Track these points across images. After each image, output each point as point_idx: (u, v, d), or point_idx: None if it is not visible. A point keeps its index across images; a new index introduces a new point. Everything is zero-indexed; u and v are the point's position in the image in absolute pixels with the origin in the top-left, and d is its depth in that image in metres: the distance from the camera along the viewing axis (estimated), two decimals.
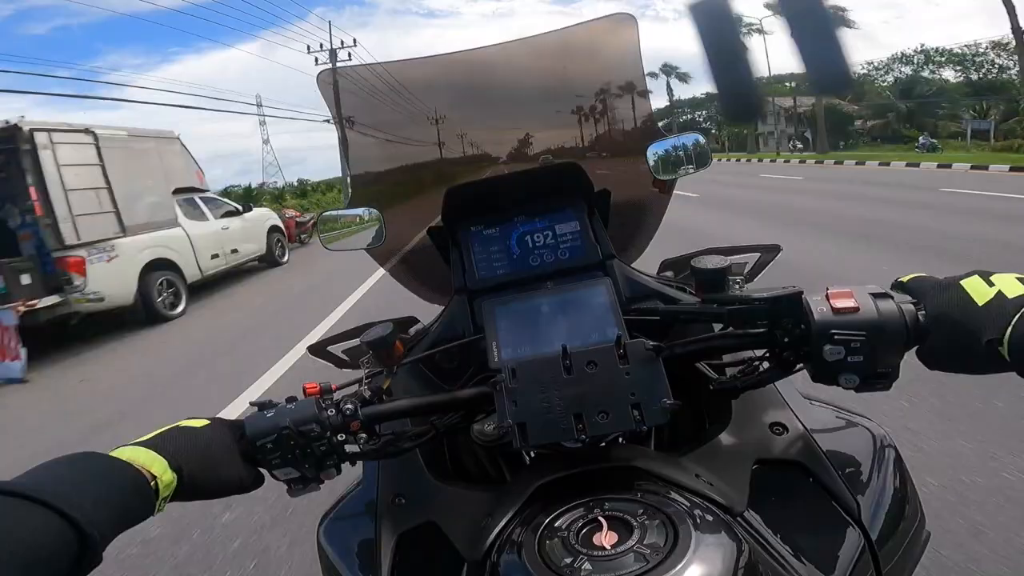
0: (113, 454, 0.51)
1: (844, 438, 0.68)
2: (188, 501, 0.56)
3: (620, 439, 0.71)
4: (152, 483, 0.50)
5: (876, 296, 0.56)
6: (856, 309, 0.55)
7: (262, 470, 0.60)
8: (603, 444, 0.67)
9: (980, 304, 0.50)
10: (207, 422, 0.59)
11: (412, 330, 0.92)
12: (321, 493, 0.64)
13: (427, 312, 0.96)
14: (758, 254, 0.90)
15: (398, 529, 0.68)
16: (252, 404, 0.62)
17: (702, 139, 0.94)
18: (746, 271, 0.89)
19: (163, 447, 0.53)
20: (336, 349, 0.95)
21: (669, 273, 0.93)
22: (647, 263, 0.95)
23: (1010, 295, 0.49)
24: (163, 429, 0.57)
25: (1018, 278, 0.51)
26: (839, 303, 0.56)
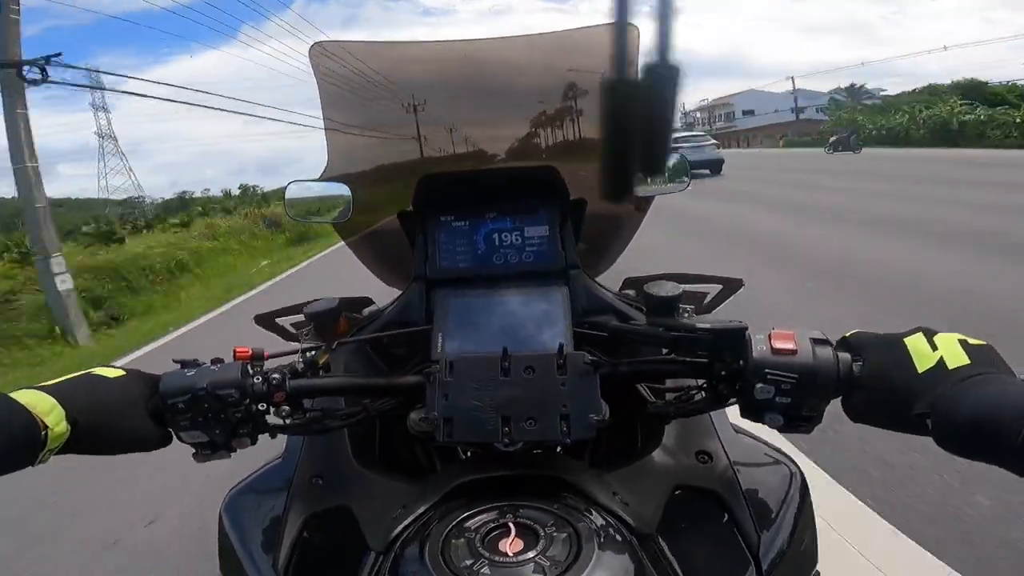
0: (14, 395, 0.49)
1: (763, 474, 0.68)
2: (81, 454, 0.54)
3: (559, 448, 0.70)
4: (43, 433, 0.48)
5: (816, 342, 0.56)
6: (793, 352, 0.55)
7: (172, 430, 0.58)
8: (537, 451, 0.66)
9: (919, 371, 0.50)
10: (122, 373, 0.57)
11: (366, 311, 0.91)
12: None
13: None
14: (719, 287, 0.90)
15: (309, 510, 0.66)
16: (175, 360, 0.60)
17: (684, 159, 0.93)
18: (705, 301, 0.89)
19: (66, 395, 0.52)
20: (284, 321, 0.94)
21: (631, 292, 0.93)
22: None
23: (950, 365, 0.49)
24: (74, 375, 0.55)
25: (960, 341, 0.51)
26: (778, 344, 0.56)
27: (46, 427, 0.48)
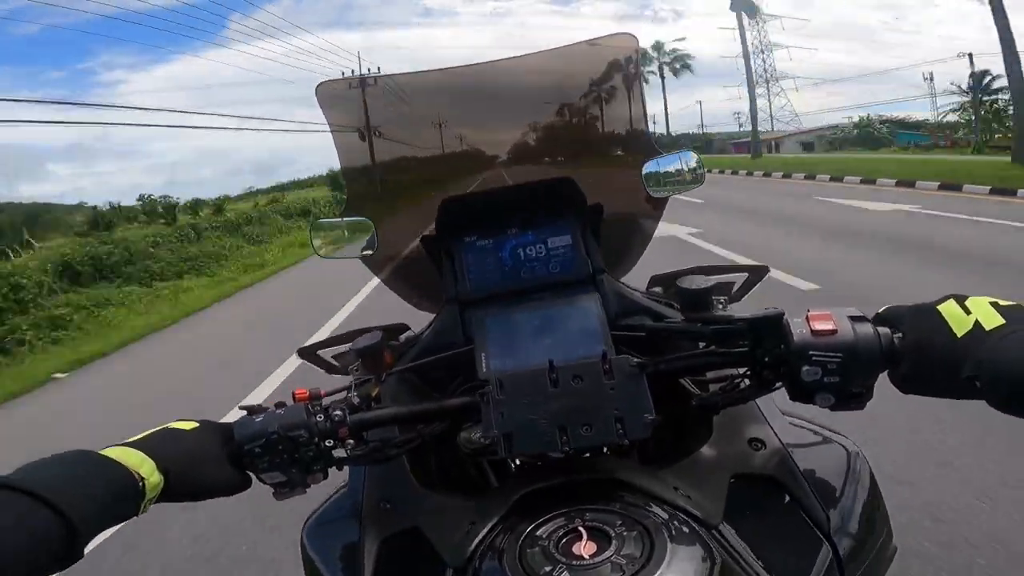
0: (105, 452, 0.52)
1: (819, 454, 0.69)
2: (173, 502, 0.57)
3: (605, 450, 0.72)
4: (140, 484, 0.51)
5: (854, 319, 0.57)
6: (834, 332, 0.56)
7: (249, 473, 0.61)
8: (587, 455, 0.68)
9: (959, 336, 0.51)
10: (196, 425, 0.60)
11: (402, 337, 0.93)
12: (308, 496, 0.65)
13: (417, 320, 0.97)
14: (746, 275, 0.92)
15: (382, 534, 0.68)
16: (241, 408, 0.63)
17: (697, 157, 0.95)
18: (734, 291, 0.90)
19: (152, 449, 0.54)
20: (326, 354, 0.96)
21: (658, 289, 0.95)
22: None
23: (987, 327, 0.50)
24: (154, 431, 0.58)
25: (992, 303, 0.52)
26: (818, 325, 0.57)
27: (142, 478, 0.52)
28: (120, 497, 0.50)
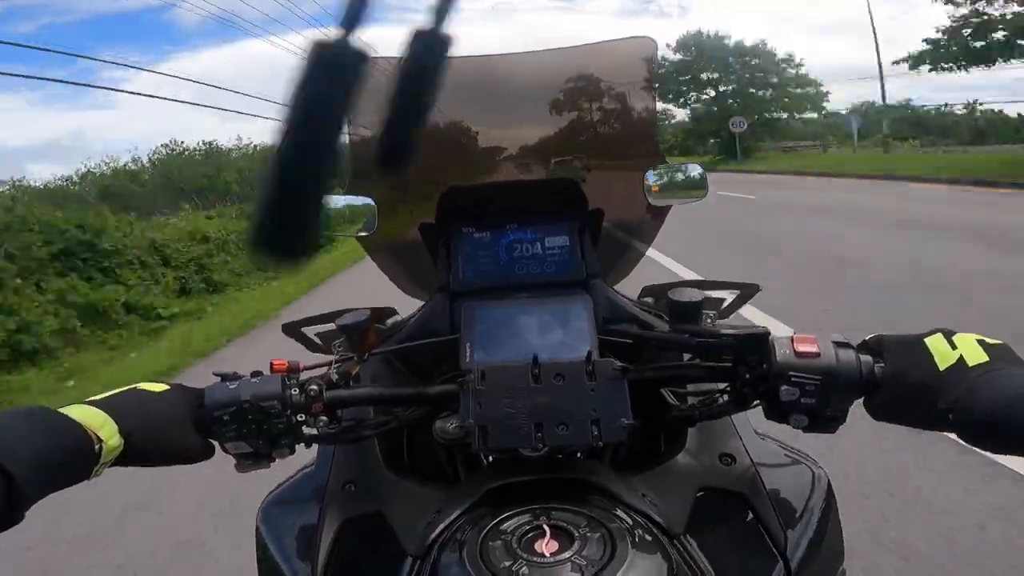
0: (65, 411, 0.50)
1: (786, 474, 0.70)
2: (131, 467, 0.55)
3: (579, 453, 0.72)
4: (96, 446, 0.49)
5: (838, 344, 0.57)
6: (817, 355, 0.57)
7: (213, 442, 0.60)
8: (560, 456, 0.68)
9: (941, 369, 0.51)
10: (167, 387, 0.59)
11: (389, 321, 0.93)
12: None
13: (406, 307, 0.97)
14: (737, 291, 0.92)
15: (343, 516, 0.67)
16: (216, 374, 0.62)
17: (701, 168, 0.95)
18: (723, 307, 0.90)
19: (116, 410, 0.52)
20: (310, 331, 0.96)
21: (649, 299, 0.94)
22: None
23: (970, 363, 0.50)
24: (121, 390, 0.56)
25: (978, 340, 0.53)
26: (801, 347, 0.57)
27: (100, 441, 0.49)
28: (72, 459, 0.47)
